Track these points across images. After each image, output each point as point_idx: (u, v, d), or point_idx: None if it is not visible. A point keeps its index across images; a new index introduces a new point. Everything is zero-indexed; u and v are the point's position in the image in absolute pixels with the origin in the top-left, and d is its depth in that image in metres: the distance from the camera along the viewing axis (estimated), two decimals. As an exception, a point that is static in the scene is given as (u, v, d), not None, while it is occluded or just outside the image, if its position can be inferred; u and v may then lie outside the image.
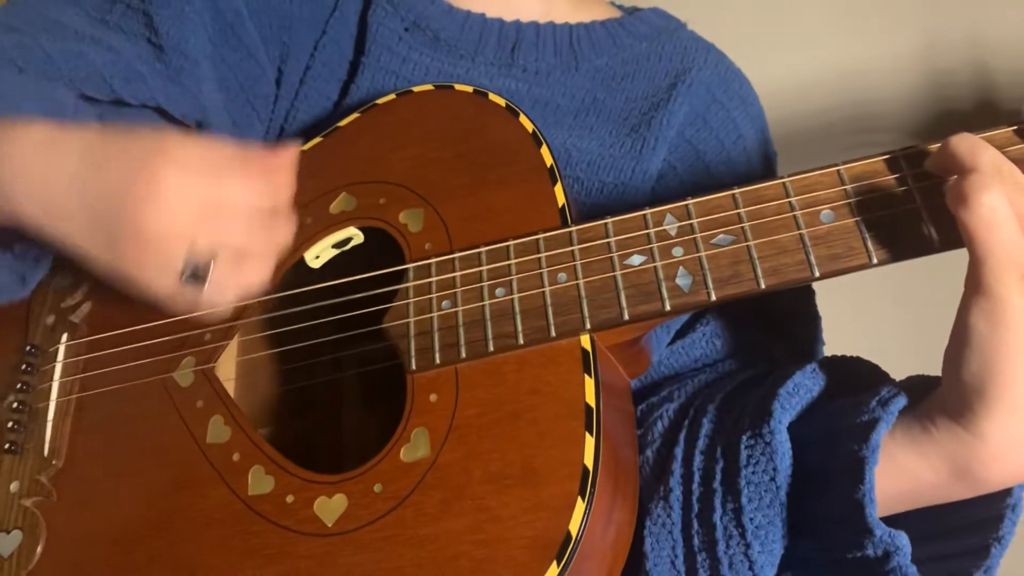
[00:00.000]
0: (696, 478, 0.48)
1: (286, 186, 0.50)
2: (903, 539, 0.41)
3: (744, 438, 0.46)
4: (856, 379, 0.48)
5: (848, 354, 0.51)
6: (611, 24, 0.65)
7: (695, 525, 0.47)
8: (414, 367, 0.48)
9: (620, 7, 0.71)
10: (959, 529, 0.43)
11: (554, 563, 0.41)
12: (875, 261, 0.43)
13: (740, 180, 0.57)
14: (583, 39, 0.64)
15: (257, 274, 0.49)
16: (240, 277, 0.48)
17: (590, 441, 0.43)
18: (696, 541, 0.47)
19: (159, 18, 0.57)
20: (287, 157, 0.50)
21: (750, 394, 0.49)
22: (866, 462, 0.41)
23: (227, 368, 0.54)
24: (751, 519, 0.45)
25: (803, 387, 0.47)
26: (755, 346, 0.60)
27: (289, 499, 0.47)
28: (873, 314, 0.86)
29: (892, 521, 0.42)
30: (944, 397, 0.41)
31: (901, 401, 0.42)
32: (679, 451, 0.49)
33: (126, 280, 0.47)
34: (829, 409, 0.46)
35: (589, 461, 0.43)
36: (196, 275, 0.46)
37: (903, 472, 0.41)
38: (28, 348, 0.56)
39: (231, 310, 0.53)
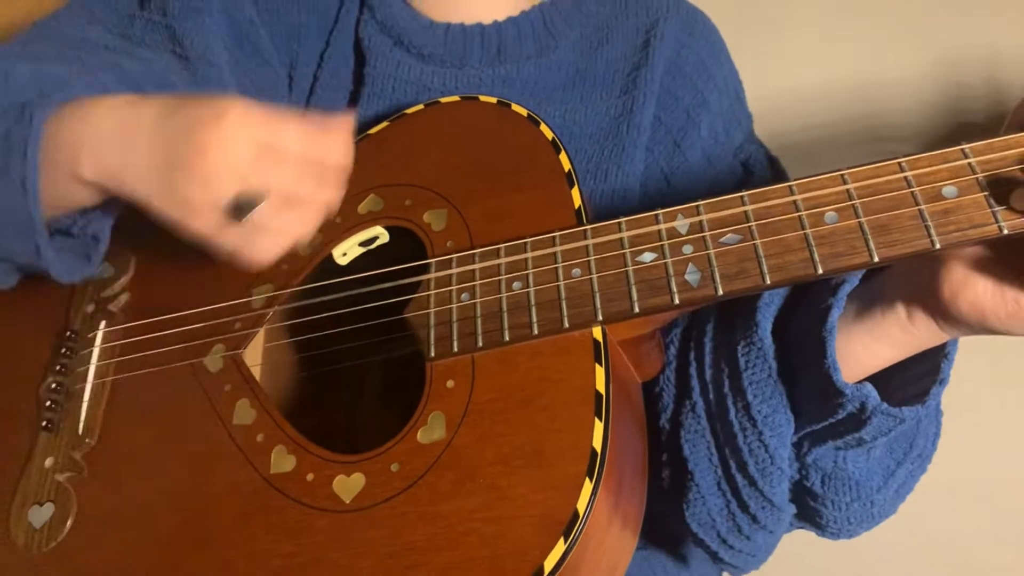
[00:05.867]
0: (711, 388, 0.56)
1: (340, 147, 0.51)
2: (868, 387, 0.50)
3: (739, 347, 0.54)
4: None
5: None
6: None
7: (718, 426, 0.55)
8: (433, 354, 0.50)
9: None
10: (908, 383, 0.53)
11: (561, 539, 0.43)
12: (876, 260, 0.45)
13: (714, 120, 0.66)
14: (555, 18, 0.68)
15: (300, 224, 0.50)
16: (284, 224, 0.49)
17: (599, 426, 0.45)
18: (721, 438, 0.55)
19: (181, 30, 0.61)
20: (344, 121, 0.51)
21: (736, 310, 0.56)
22: (826, 341, 0.49)
23: (254, 355, 0.56)
24: (759, 411, 0.53)
25: (777, 295, 0.55)
26: None
27: (309, 477, 0.49)
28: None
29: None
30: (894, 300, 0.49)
31: (847, 287, 0.51)
32: (693, 370, 0.57)
33: (177, 215, 0.48)
34: (801, 306, 0.55)
35: (598, 444, 0.45)
36: (240, 209, 0.46)
37: (868, 365, 0.51)
38: (68, 333, 0.59)
39: (261, 300, 0.55)
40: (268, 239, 0.49)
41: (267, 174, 0.47)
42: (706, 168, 0.66)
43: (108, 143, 0.49)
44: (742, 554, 0.58)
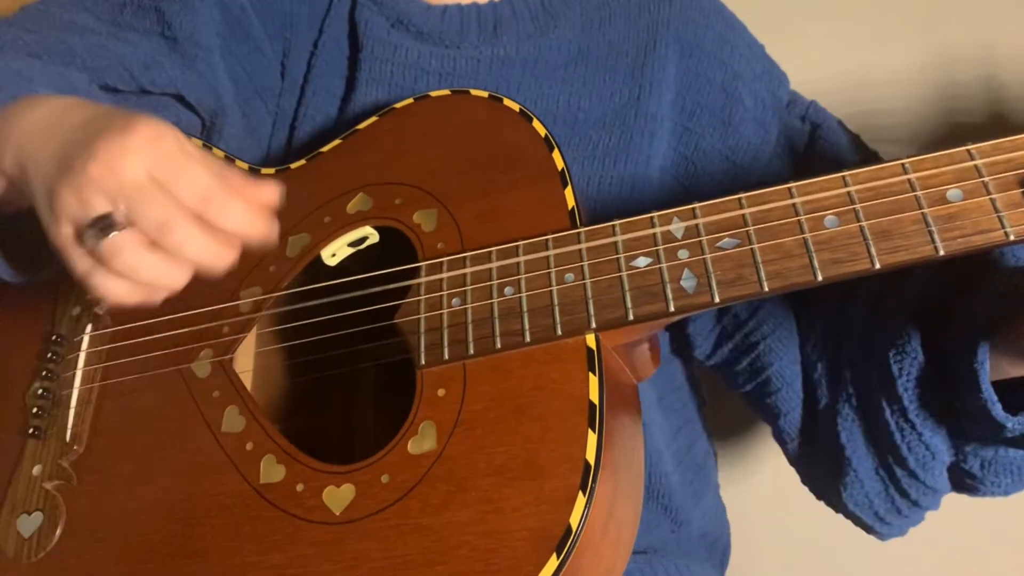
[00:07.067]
0: (862, 390, 0.57)
1: (244, 214, 0.45)
2: None
3: (891, 355, 0.54)
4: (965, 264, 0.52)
5: None
6: None
7: (871, 425, 0.56)
8: (423, 362, 0.49)
9: None
10: None
11: (554, 555, 0.42)
12: (878, 267, 0.43)
13: (754, 86, 0.66)
14: None
15: (157, 273, 0.44)
16: (138, 265, 0.44)
17: (592, 437, 0.44)
18: (876, 435, 0.56)
19: (171, 12, 0.61)
20: (270, 191, 0.47)
21: (883, 317, 0.56)
22: (978, 374, 0.48)
23: (245, 360, 0.55)
24: (916, 414, 0.53)
25: (927, 297, 0.54)
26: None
27: (299, 488, 0.49)
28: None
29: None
30: None
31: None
32: (847, 373, 0.58)
33: (47, 218, 0.45)
34: (953, 318, 0.52)
35: (591, 456, 0.44)
36: (100, 228, 0.42)
37: (1011, 372, 0.49)
38: (54, 337, 0.58)
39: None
40: (114, 276, 0.44)
41: (143, 207, 0.42)
42: (763, 136, 0.65)
43: (32, 136, 0.47)
44: (895, 527, 0.60)
